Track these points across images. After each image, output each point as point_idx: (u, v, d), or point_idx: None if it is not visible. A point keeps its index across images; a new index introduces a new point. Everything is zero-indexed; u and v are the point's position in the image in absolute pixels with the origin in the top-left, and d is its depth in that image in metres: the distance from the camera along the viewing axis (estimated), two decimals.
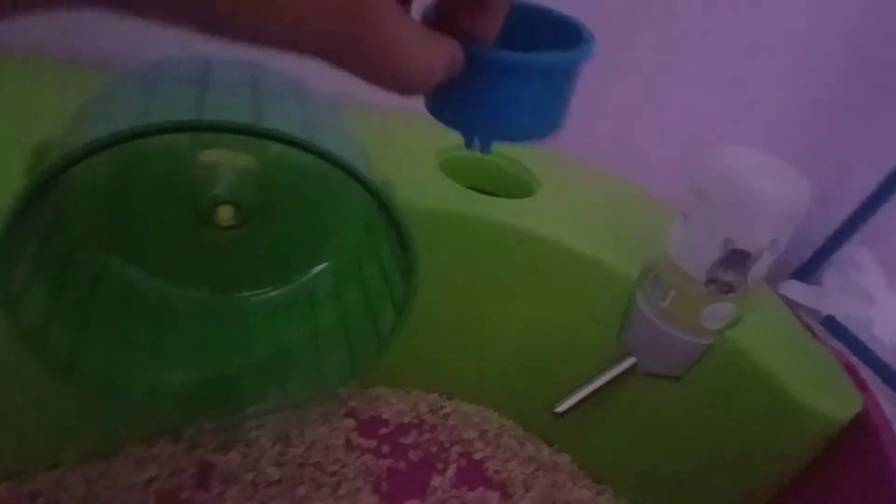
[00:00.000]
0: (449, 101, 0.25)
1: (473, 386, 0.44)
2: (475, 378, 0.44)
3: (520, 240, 0.38)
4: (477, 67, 0.23)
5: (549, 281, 0.39)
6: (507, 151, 0.44)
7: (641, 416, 0.39)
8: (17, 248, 0.27)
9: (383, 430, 0.42)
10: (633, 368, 0.38)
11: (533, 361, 0.42)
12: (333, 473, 0.38)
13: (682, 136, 0.57)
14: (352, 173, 0.27)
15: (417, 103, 0.24)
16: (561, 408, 0.37)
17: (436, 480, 0.39)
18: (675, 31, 0.52)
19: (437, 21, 0.22)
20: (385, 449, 0.40)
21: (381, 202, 0.29)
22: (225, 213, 0.34)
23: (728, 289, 0.35)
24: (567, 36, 0.26)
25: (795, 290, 0.63)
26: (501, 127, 0.25)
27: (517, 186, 0.44)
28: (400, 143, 0.42)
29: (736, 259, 0.34)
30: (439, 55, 0.20)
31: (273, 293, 0.40)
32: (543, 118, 0.26)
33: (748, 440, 0.36)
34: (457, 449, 0.41)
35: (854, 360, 0.48)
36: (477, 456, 0.41)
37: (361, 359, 0.36)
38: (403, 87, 0.18)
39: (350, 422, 0.41)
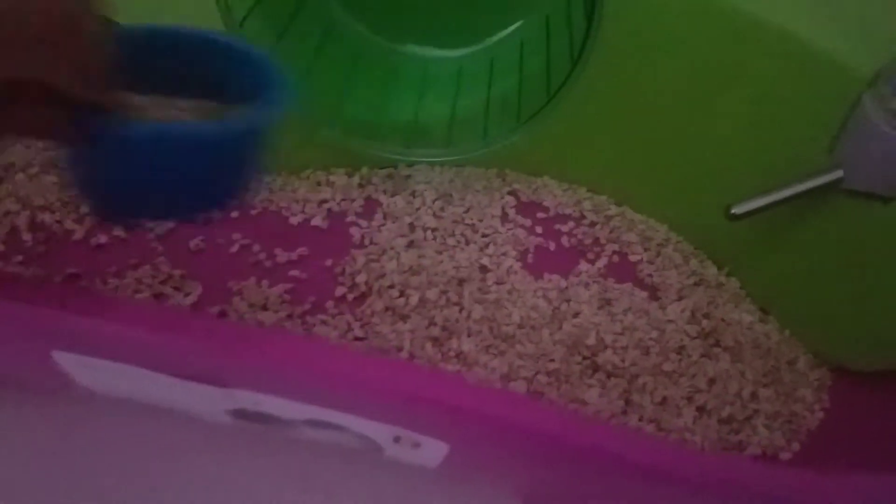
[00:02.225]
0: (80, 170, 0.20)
1: (646, 194, 0.41)
2: (649, 186, 0.41)
3: (729, 22, 0.33)
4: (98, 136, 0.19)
5: (757, 76, 0.34)
6: None
7: (834, 244, 0.34)
8: None
9: (541, 215, 0.41)
10: (836, 183, 0.33)
11: (721, 173, 0.37)
12: (485, 235, 0.39)
13: None
14: None
15: None
16: (739, 208, 0.33)
17: (583, 266, 0.38)
18: None
19: None
20: (539, 230, 0.40)
21: None
22: None
23: None
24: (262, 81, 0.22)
25: None
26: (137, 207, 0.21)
27: None
28: None
29: None
30: None
31: (458, 53, 0.40)
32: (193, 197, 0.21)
33: None
34: (613, 247, 0.40)
35: None
36: (633, 258, 0.39)
37: (528, 113, 0.35)
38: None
39: (511, 199, 0.41)
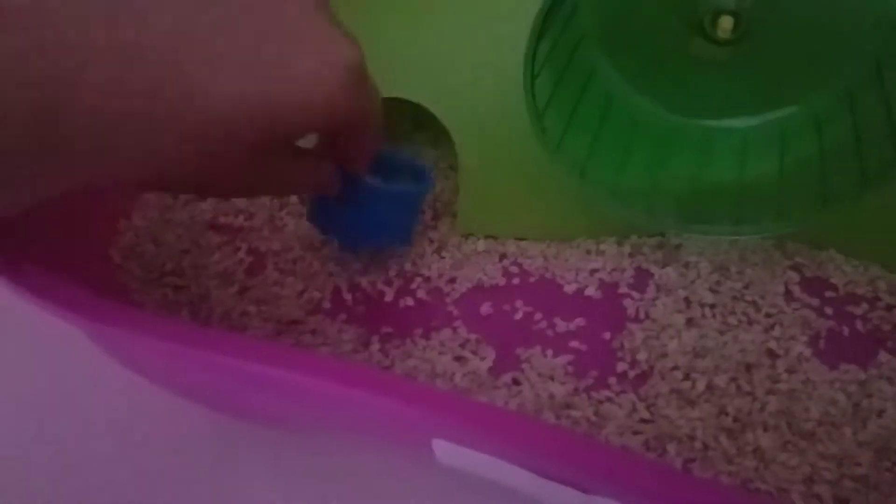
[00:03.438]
0: (323, 212, 0.35)
1: None
2: None
3: None
4: (348, 189, 0.33)
5: None
6: None
7: None
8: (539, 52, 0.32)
9: (829, 294, 0.38)
10: None
11: None
12: (768, 315, 0.37)
13: None
14: None
15: None
16: None
17: (883, 356, 0.35)
18: None
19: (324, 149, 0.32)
20: (828, 311, 0.38)
21: None
22: (725, 24, 0.34)
23: None
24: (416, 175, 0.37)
25: None
26: (360, 237, 0.37)
27: None
28: None
29: None
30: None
31: (742, 124, 0.39)
32: (392, 232, 0.38)
33: None
34: None
35: None
36: None
37: (836, 195, 0.33)
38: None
39: (793, 275, 0.39)
